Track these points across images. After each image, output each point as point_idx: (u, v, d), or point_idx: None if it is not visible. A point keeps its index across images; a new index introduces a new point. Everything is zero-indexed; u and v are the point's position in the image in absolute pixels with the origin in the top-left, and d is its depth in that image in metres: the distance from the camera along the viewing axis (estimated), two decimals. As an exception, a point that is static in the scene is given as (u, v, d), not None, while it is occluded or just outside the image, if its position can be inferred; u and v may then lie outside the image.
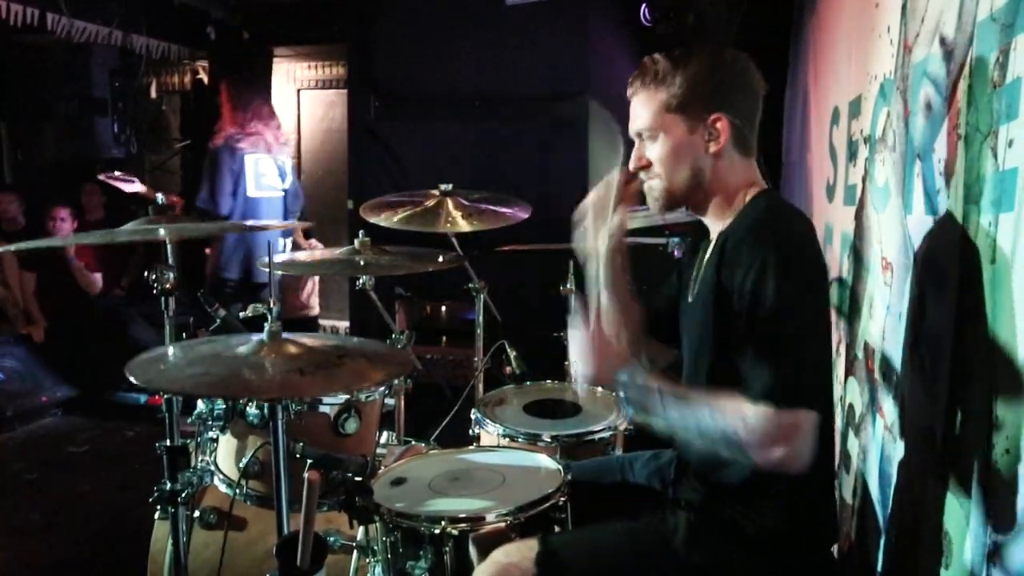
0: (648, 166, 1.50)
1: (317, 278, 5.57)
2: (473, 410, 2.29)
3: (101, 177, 4.59)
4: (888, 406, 1.69)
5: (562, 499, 1.62)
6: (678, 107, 1.44)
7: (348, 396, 1.72)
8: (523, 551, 1.45)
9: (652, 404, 1.36)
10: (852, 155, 2.17)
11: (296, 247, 5.38)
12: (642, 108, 1.48)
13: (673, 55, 1.45)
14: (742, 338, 1.33)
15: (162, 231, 1.70)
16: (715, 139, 1.44)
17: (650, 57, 1.47)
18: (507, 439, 2.12)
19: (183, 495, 1.64)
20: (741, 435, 1.25)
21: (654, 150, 1.48)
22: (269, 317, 1.53)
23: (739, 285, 1.33)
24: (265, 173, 4.07)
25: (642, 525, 1.53)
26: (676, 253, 2.66)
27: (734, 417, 1.26)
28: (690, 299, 1.55)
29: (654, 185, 1.51)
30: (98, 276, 5.36)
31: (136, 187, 4.55)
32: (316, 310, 5.76)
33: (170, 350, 1.53)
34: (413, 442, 2.23)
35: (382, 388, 1.85)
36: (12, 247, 1.84)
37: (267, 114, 4.19)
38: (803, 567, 1.44)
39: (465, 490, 1.68)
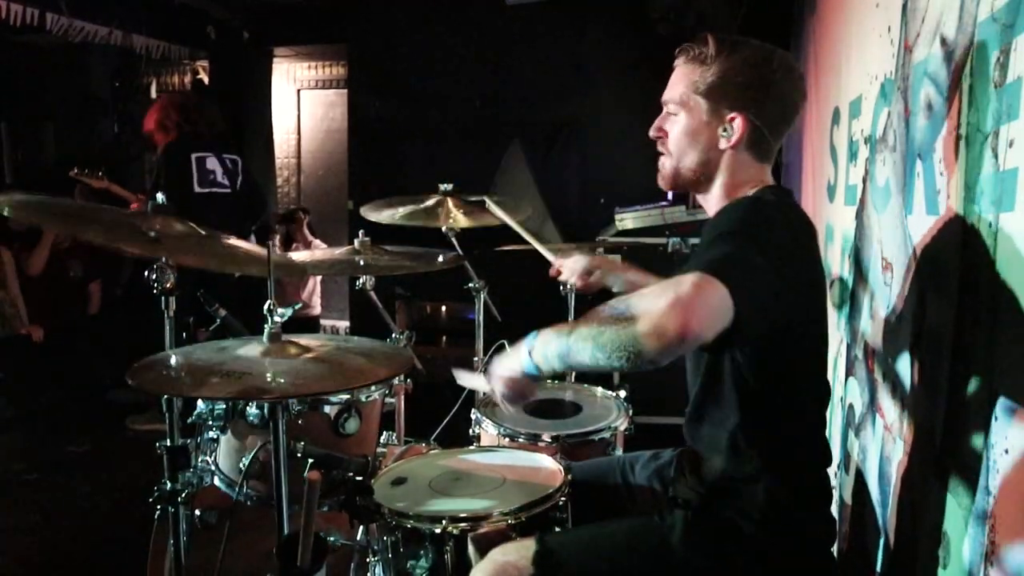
0: (664, 137, 1.50)
1: (319, 277, 5.57)
2: (473, 410, 2.28)
3: (72, 175, 4.61)
4: (888, 406, 1.69)
5: (562, 499, 1.62)
6: (705, 92, 1.42)
7: (348, 396, 1.72)
8: (521, 550, 1.45)
9: (547, 350, 1.25)
10: (853, 155, 2.17)
11: (296, 245, 5.40)
12: (677, 80, 1.47)
13: (723, 40, 1.43)
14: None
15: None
16: (728, 136, 1.43)
17: (706, 34, 1.45)
18: (507, 439, 2.12)
19: (183, 495, 1.64)
20: (631, 304, 1.12)
21: (673, 125, 1.48)
22: (269, 318, 1.53)
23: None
24: (213, 170, 4.06)
25: (640, 524, 1.53)
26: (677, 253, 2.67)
27: (625, 300, 1.15)
28: None
29: (664, 162, 1.51)
30: (95, 288, 5.37)
31: (103, 183, 4.58)
32: (318, 309, 5.77)
33: (172, 358, 1.53)
34: (413, 442, 2.22)
35: (382, 388, 1.85)
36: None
37: (208, 115, 4.16)
38: (802, 567, 1.43)
39: (466, 490, 1.68)
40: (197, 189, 4.00)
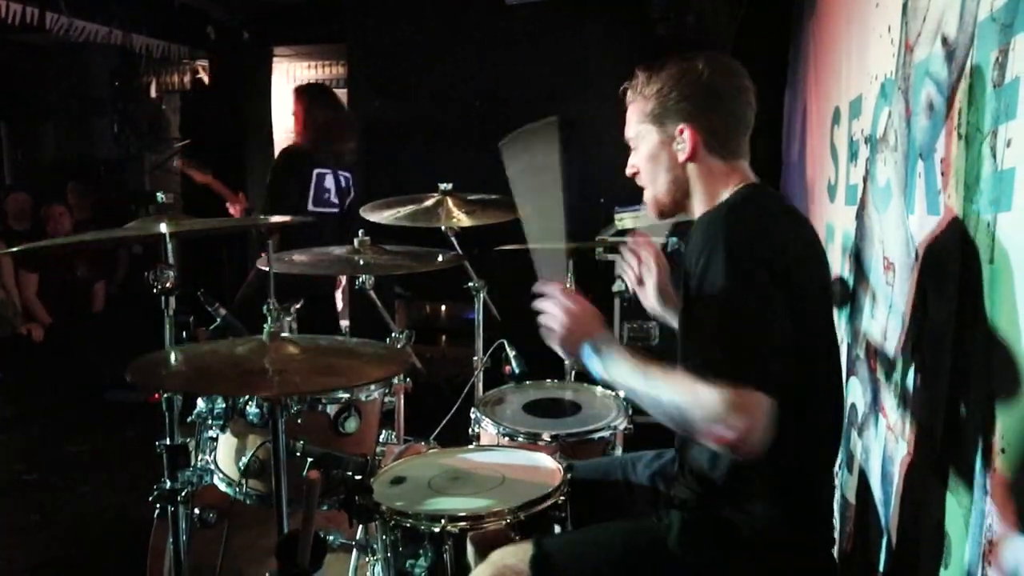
0: (637, 172, 1.58)
1: (344, 277, 5.45)
2: (473, 409, 2.29)
3: (179, 165, 4.52)
4: (890, 405, 1.69)
5: (562, 498, 1.62)
6: (651, 118, 1.51)
7: (348, 395, 1.72)
8: (519, 553, 1.45)
9: (615, 372, 1.38)
10: (853, 155, 2.17)
11: None
12: (630, 117, 1.57)
13: (649, 67, 1.51)
14: (697, 319, 1.36)
15: (163, 228, 1.69)
16: (683, 149, 1.48)
17: (639, 66, 1.53)
18: (507, 438, 2.12)
19: (183, 494, 1.64)
20: (691, 411, 1.24)
21: (637, 158, 1.56)
22: (268, 317, 1.53)
23: (694, 267, 1.35)
24: (329, 189, 3.81)
25: (637, 525, 1.53)
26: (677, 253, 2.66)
27: (686, 393, 1.25)
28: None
29: (645, 194, 1.59)
30: (99, 288, 5.37)
31: (207, 179, 4.43)
32: (340, 305, 5.69)
33: (172, 355, 1.53)
34: (413, 441, 2.22)
35: (382, 388, 1.85)
36: (14, 250, 1.89)
37: (343, 128, 3.86)
38: (800, 567, 1.43)
39: (465, 489, 1.68)
40: (311, 207, 3.72)
